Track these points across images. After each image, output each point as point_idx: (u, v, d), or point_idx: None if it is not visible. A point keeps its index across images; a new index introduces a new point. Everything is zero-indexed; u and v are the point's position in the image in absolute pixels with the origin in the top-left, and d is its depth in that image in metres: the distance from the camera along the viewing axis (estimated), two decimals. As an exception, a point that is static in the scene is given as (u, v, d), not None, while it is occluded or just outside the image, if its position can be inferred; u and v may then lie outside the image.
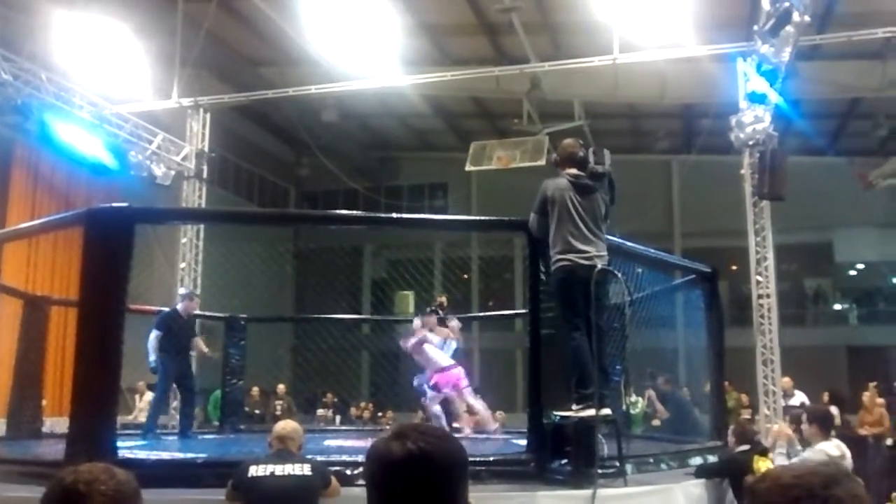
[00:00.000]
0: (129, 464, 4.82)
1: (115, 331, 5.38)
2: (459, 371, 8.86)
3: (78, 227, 6.00)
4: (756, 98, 10.24)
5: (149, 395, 13.25)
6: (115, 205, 5.97)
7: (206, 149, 13.98)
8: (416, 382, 9.31)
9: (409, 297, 21.50)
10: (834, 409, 10.74)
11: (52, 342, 9.45)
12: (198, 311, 9.85)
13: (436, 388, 8.90)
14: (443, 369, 8.85)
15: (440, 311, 10.83)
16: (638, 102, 17.36)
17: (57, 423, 9.08)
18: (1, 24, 11.76)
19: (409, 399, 14.20)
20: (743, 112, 10.60)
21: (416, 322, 9.37)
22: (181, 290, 8.59)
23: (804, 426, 6.21)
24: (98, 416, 5.30)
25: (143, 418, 12.85)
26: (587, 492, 4.86)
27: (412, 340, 8.99)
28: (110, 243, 5.50)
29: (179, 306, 8.93)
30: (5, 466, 5.77)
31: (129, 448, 6.47)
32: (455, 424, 8.93)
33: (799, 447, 6.78)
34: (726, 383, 9.45)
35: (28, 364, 8.61)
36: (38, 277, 13.77)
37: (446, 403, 9.17)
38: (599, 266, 5.43)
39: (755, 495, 1.36)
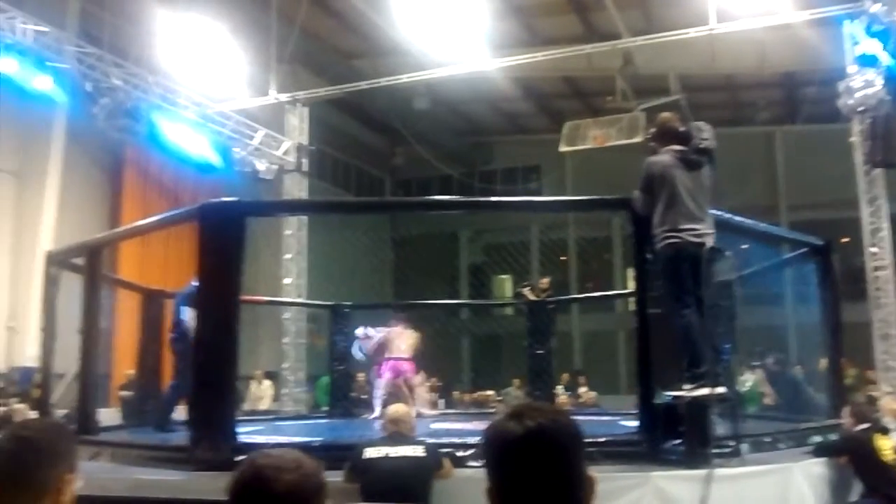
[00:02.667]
0: (248, 448, 5.01)
1: (232, 320, 5.58)
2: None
3: (192, 222, 6.24)
4: (866, 61, 9.78)
5: (266, 383, 13.67)
6: (226, 199, 6.16)
7: (305, 142, 14.31)
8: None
9: (507, 281, 21.54)
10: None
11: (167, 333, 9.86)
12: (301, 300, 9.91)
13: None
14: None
15: (527, 295, 10.95)
16: (736, 73, 16.82)
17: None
18: (110, 32, 12.31)
19: (508, 382, 14.29)
20: (851, 77, 10.14)
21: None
22: None
23: None
24: (218, 402, 5.53)
25: (261, 406, 13.30)
26: (702, 471, 4.78)
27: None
28: (224, 236, 5.70)
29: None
30: (135, 451, 6.11)
31: (247, 433, 6.73)
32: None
33: None
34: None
35: (149, 355, 9.05)
36: (151, 272, 14.39)
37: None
38: (709, 244, 5.31)
39: None
